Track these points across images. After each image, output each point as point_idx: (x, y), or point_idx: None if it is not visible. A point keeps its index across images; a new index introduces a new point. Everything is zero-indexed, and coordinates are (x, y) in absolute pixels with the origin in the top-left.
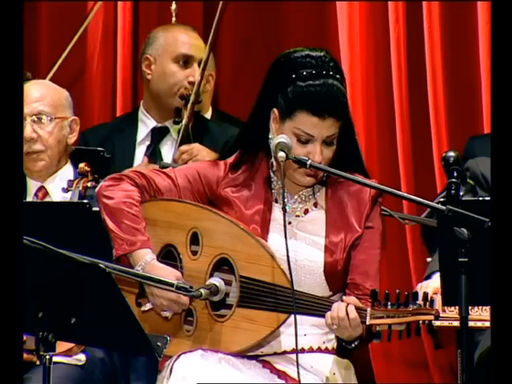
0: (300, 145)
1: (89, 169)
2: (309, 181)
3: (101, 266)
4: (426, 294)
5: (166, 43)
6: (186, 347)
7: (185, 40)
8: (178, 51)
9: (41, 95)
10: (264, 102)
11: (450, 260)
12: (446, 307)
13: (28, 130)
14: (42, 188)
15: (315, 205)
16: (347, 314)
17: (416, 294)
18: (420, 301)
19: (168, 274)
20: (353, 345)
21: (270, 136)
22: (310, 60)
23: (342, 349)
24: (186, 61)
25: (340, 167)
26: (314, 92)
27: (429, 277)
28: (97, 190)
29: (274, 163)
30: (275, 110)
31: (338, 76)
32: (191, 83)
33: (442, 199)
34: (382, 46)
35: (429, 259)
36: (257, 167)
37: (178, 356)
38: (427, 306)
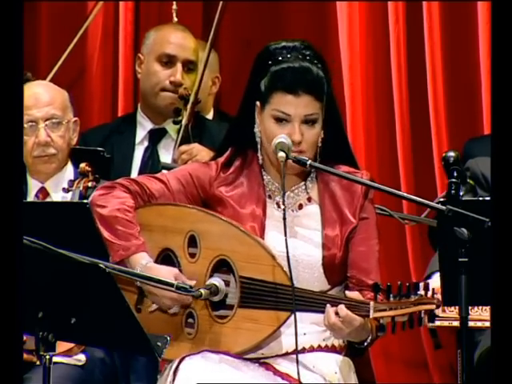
0: (278, 126)
1: (90, 169)
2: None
3: (101, 266)
4: (426, 284)
5: (154, 42)
6: (187, 350)
7: (170, 39)
8: (162, 50)
9: (51, 98)
10: (248, 97)
11: (450, 260)
12: (446, 307)
13: (43, 135)
14: (42, 189)
15: (309, 199)
16: (337, 312)
17: (417, 284)
18: (421, 291)
19: (166, 273)
20: (365, 344)
21: (255, 130)
22: (287, 49)
23: (353, 349)
24: (168, 60)
25: (329, 158)
26: (287, 71)
27: (429, 277)
28: (90, 200)
29: (260, 158)
30: (258, 103)
31: (315, 61)
32: (172, 83)
33: (441, 199)
34: (381, 45)
35: None
36: (248, 164)
37: (182, 359)
38: (428, 295)
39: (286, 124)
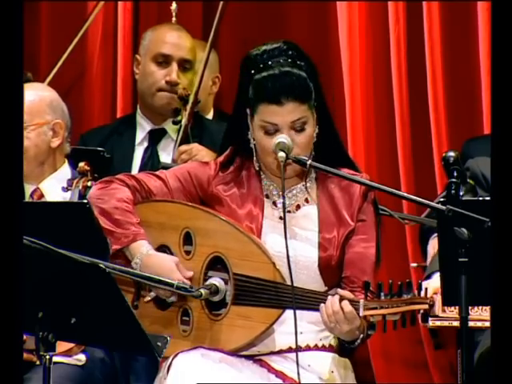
0: (269, 137)
1: (88, 168)
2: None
3: (101, 265)
4: (419, 284)
5: (150, 43)
6: (182, 347)
7: (165, 39)
8: (157, 50)
9: None
10: (239, 103)
11: (450, 260)
12: (445, 307)
13: None
14: (36, 190)
15: (306, 200)
16: (341, 308)
17: (410, 283)
18: (414, 290)
19: (167, 261)
20: (356, 343)
21: (249, 136)
22: (267, 54)
23: (344, 349)
24: (164, 60)
25: (326, 162)
26: (268, 81)
27: (429, 277)
28: (88, 195)
29: (256, 163)
30: (248, 110)
31: (298, 62)
32: (168, 82)
33: (442, 199)
34: (381, 46)
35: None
36: (247, 164)
37: (176, 354)
38: (421, 295)
39: (276, 133)
